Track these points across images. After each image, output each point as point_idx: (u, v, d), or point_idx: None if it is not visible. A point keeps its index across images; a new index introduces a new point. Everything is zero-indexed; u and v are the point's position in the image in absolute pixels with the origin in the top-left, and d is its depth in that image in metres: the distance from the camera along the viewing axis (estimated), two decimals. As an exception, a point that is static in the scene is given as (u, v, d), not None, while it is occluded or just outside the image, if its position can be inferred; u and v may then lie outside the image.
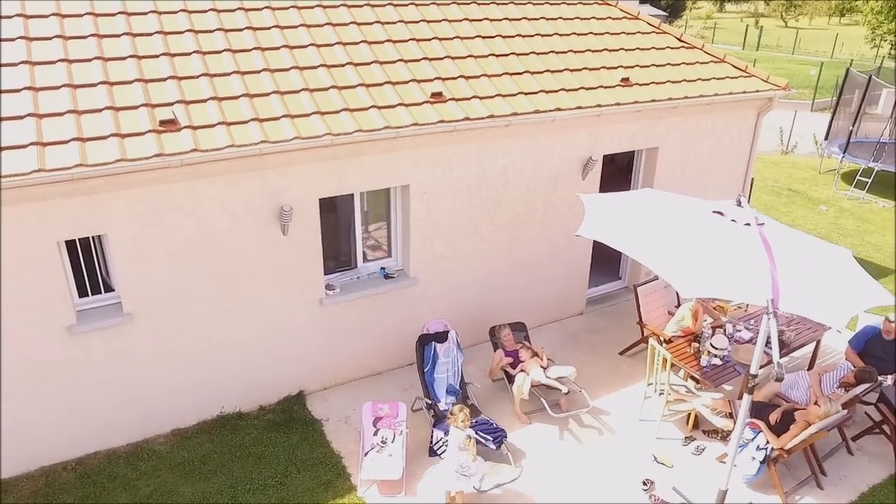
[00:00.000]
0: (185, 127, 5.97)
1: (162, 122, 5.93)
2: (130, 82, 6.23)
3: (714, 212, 5.62)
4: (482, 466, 6.08)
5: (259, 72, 6.75)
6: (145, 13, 6.94)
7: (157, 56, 6.55)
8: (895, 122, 16.67)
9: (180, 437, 6.88)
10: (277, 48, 7.08)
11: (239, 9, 7.35)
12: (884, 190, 15.36)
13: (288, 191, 6.60)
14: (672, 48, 9.53)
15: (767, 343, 4.86)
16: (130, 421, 6.72)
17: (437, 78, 7.39)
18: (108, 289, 6.49)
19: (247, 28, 7.16)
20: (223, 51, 6.84)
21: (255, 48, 6.97)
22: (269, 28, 7.27)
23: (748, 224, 5.19)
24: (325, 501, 6.16)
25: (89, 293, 6.40)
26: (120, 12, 6.82)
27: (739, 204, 5.38)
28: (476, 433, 6.53)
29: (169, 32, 6.82)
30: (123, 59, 6.41)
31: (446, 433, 6.51)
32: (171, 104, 6.14)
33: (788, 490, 6.49)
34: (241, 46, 6.95)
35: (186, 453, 6.67)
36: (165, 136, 5.86)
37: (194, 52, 6.69)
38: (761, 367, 6.08)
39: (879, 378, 7.08)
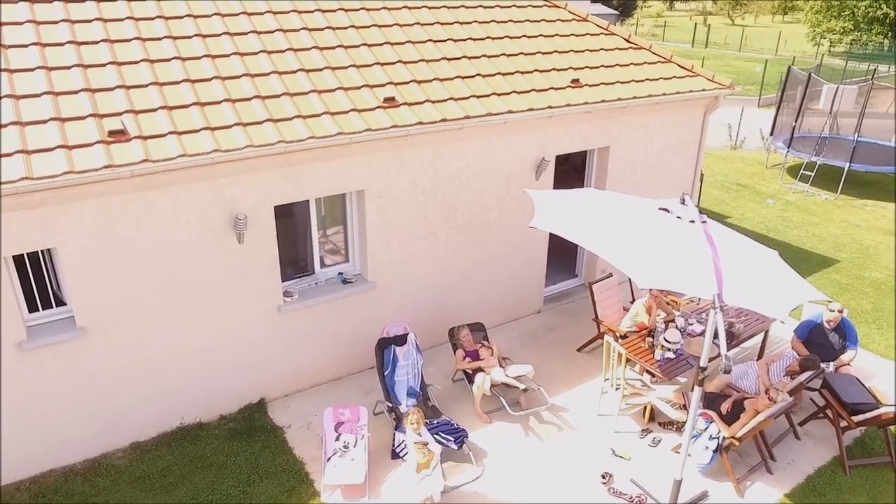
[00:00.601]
0: (135, 137, 5.90)
1: (111, 133, 5.85)
2: (76, 92, 6.13)
3: (660, 209, 5.79)
4: (438, 469, 6.13)
5: (209, 80, 6.70)
6: (90, 20, 6.82)
7: (103, 65, 6.45)
8: (835, 117, 17.29)
9: (140, 450, 6.78)
10: (228, 55, 7.03)
11: (188, 15, 7.28)
12: (826, 183, 15.93)
13: (242, 199, 6.57)
14: (620, 49, 9.75)
15: (716, 336, 5.05)
16: (87, 436, 6.60)
17: (389, 83, 7.44)
18: (60, 303, 6.36)
19: (196, 35, 7.09)
20: (172, 59, 6.77)
21: (204, 56, 6.91)
22: (218, 35, 7.22)
23: (692, 221, 5.37)
24: (289, 509, 6.17)
25: (40, 308, 6.27)
26: (63, 20, 6.70)
27: (683, 202, 5.56)
28: (437, 434, 6.61)
29: (116, 41, 6.72)
30: (68, 68, 6.30)
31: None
32: (120, 114, 6.06)
33: (740, 476, 6.72)
34: (190, 54, 6.88)
35: (146, 467, 6.58)
36: (115, 147, 5.78)
37: (142, 60, 6.61)
38: (712, 359, 6.30)
39: (822, 365, 7.39)
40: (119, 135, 5.88)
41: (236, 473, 6.52)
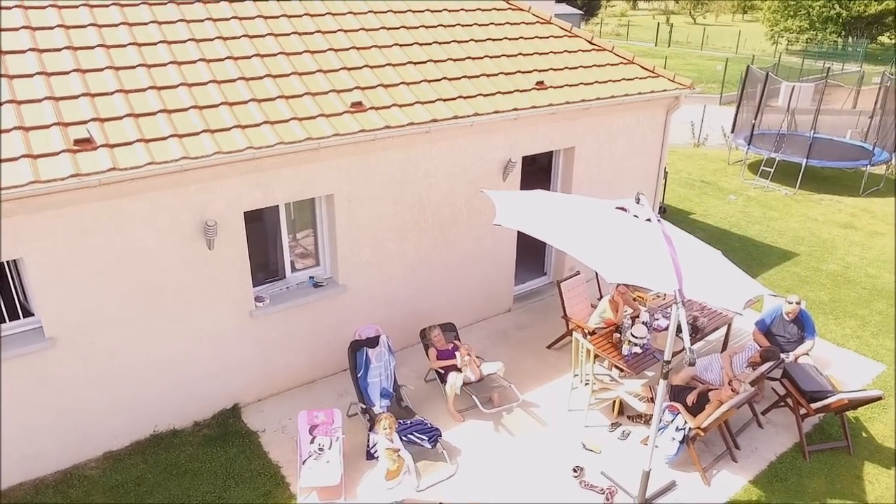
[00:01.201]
0: (102, 145, 5.88)
1: (76, 142, 5.82)
2: (40, 100, 6.08)
3: (617, 208, 5.97)
4: (408, 476, 6.19)
5: (176, 86, 6.70)
6: (52, 27, 6.77)
7: (67, 73, 6.41)
8: (792, 114, 17.78)
9: (113, 459, 6.75)
10: (194, 62, 7.03)
11: (152, 22, 7.26)
12: (785, 178, 16.37)
13: (212, 205, 6.58)
14: (583, 51, 9.94)
15: (680, 330, 5.22)
16: (59, 448, 6.55)
17: (356, 87, 7.51)
18: (28, 314, 6.31)
19: (161, 42, 7.08)
20: (138, 66, 6.75)
21: (170, 62, 6.90)
22: (184, 41, 7.21)
23: (649, 220, 5.55)
24: (265, 512, 6.21)
25: (6, 319, 6.21)
26: (24, 27, 6.63)
27: (639, 201, 5.74)
28: (411, 433, 6.70)
29: (79, 48, 6.68)
30: (31, 76, 6.24)
31: (382, 436, 6.67)
32: (86, 122, 6.03)
33: (706, 465, 6.93)
34: (156, 61, 6.87)
35: (120, 476, 6.56)
36: (81, 156, 5.76)
37: (107, 67, 6.58)
38: (676, 353, 6.49)
39: (782, 356, 7.65)
40: (85, 143, 5.85)
41: (211, 479, 6.54)
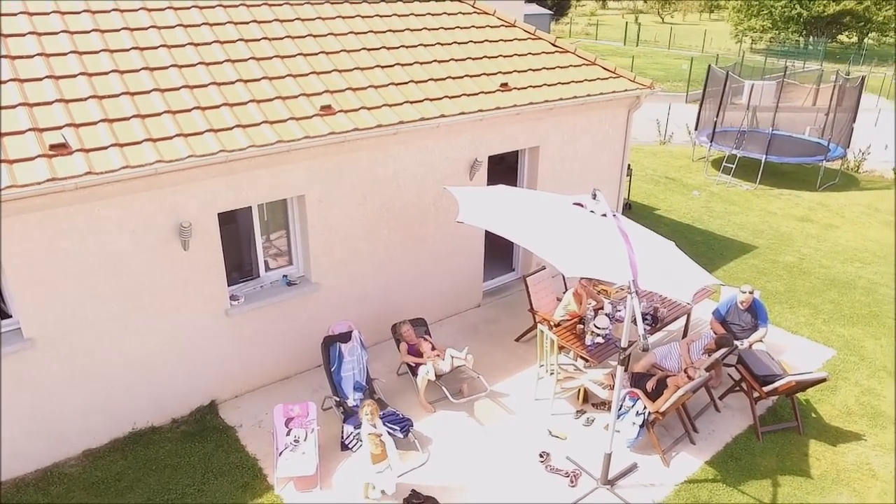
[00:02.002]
0: (77, 150, 6.05)
1: (52, 147, 5.98)
2: (14, 107, 6.22)
3: (574, 203, 6.28)
4: (393, 458, 6.47)
5: (149, 92, 6.87)
6: (23, 34, 6.90)
7: (40, 79, 6.55)
8: (753, 112, 18.35)
9: (92, 457, 6.91)
10: (166, 67, 7.20)
11: (124, 28, 7.41)
12: (746, 174, 16.92)
13: (186, 207, 6.78)
14: (546, 53, 10.27)
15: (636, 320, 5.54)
16: (38, 447, 6.69)
17: (325, 91, 7.74)
18: (5, 315, 6.45)
19: (133, 48, 7.23)
20: (110, 72, 6.90)
21: (143, 68, 7.06)
22: (156, 48, 7.37)
23: (605, 215, 5.88)
24: (244, 502, 6.41)
25: (-15, 321, 6.35)
26: (-3, 36, 6.76)
27: (595, 197, 6.06)
28: (384, 424, 6.96)
29: (51, 54, 6.81)
30: (4, 82, 6.38)
31: (356, 427, 6.92)
32: (60, 128, 6.19)
33: (666, 448, 7.29)
34: (128, 67, 7.03)
35: (100, 473, 6.72)
36: (57, 161, 5.92)
37: (80, 73, 6.73)
38: (633, 341, 6.82)
39: (736, 342, 8.05)
40: (61, 148, 6.01)
41: (190, 473, 6.73)
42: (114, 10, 7.59)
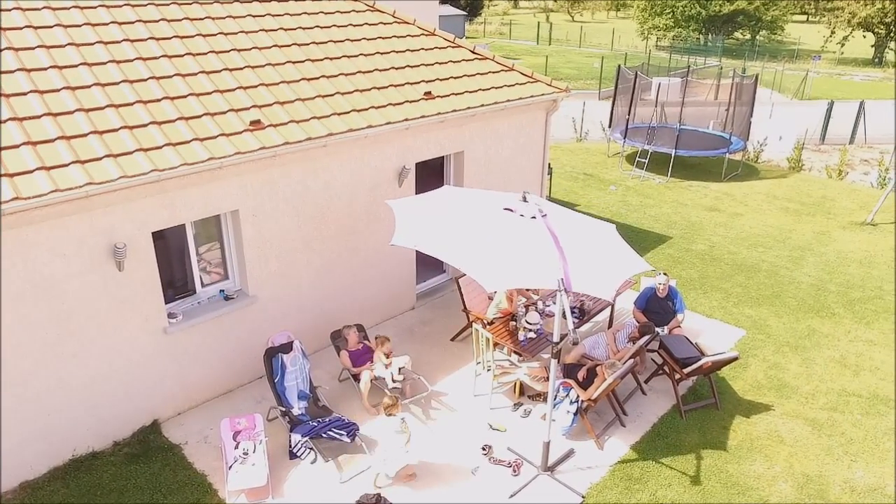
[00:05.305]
0: (3, 175, 5.93)
1: (-25, 174, 5.85)
2: (-70, 134, 6.05)
3: (504, 209, 6.61)
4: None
5: (72, 112, 6.77)
6: (-66, 58, 6.68)
7: (-44, 104, 6.37)
8: (661, 108, 19.37)
9: (31, 488, 6.75)
10: (88, 86, 7.10)
11: (39, 47, 7.25)
12: (658, 168, 17.85)
13: (119, 228, 6.73)
14: (467, 60, 10.63)
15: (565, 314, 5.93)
16: (-29, 480, 6.52)
17: (253, 106, 7.81)
18: (-69, 348, 6.25)
19: (51, 67, 7.09)
20: (29, 92, 6.76)
21: (64, 88, 6.94)
22: (76, 66, 7.25)
23: (534, 217, 6.25)
24: (194, 519, 6.46)
25: None
26: None
27: (524, 199, 6.42)
28: (330, 430, 7.13)
29: (-34, 78, 6.63)
30: (-82, 109, 6.18)
31: (303, 436, 7.07)
32: (-18, 153, 6.05)
33: (599, 432, 7.77)
34: (48, 87, 6.89)
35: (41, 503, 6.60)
36: (-19, 187, 5.80)
37: (-2, 96, 6.57)
38: (564, 335, 7.25)
39: (657, 329, 8.64)
40: (-15, 175, 5.89)
41: (138, 495, 6.69)
42: (27, 26, 7.40)
